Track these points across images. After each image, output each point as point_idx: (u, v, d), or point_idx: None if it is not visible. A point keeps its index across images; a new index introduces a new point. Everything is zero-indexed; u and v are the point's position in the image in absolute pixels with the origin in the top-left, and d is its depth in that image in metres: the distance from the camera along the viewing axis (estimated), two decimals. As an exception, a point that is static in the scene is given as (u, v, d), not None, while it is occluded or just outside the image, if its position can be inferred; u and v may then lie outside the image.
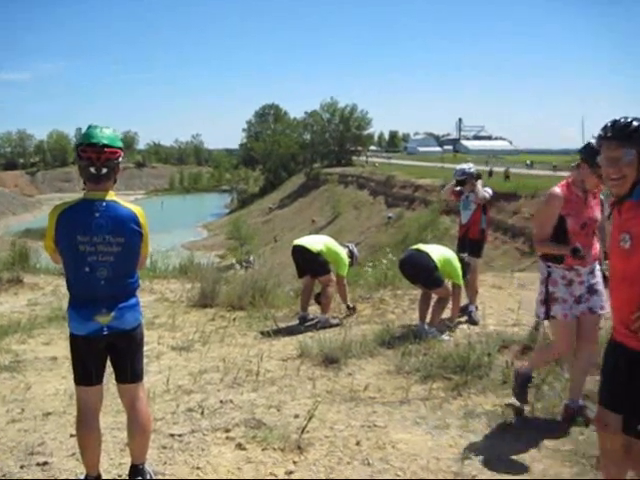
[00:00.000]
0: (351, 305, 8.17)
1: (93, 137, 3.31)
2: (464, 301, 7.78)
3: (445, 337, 6.69)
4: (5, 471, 3.91)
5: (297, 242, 8.03)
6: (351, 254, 8.26)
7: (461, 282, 7.21)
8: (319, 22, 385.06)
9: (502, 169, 54.54)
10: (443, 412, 4.74)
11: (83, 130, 3.42)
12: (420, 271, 7.01)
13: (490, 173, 49.02)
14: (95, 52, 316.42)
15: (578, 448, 4.03)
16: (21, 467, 3.96)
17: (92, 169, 3.31)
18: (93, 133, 3.33)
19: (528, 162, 67.64)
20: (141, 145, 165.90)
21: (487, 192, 7.82)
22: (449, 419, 4.61)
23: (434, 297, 7.11)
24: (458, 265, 7.14)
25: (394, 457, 4.03)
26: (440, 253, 7.08)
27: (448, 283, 7.07)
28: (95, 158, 3.29)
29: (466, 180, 7.85)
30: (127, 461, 3.73)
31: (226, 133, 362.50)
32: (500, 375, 5.29)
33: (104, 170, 3.32)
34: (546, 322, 4.97)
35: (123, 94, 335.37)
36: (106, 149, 3.30)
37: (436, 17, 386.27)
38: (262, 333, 7.26)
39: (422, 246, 7.28)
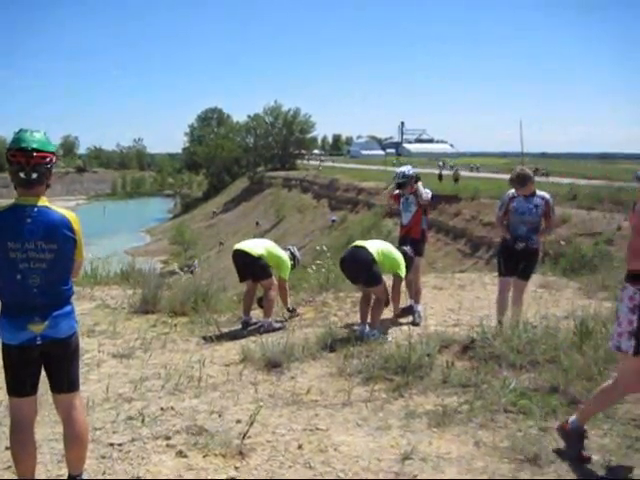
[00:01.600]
0: (291, 308, 8.19)
1: (22, 141, 3.23)
2: (408, 302, 7.89)
3: (387, 338, 6.74)
4: (-64, 488, 3.79)
5: (238, 246, 8.00)
6: (293, 256, 8.29)
7: (403, 273, 7.28)
8: (260, 28, 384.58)
9: (449, 172, 54.05)
10: (385, 413, 4.78)
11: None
12: (360, 266, 7.04)
13: (440, 177, 47.98)
14: (30, 54, 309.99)
15: (516, 444, 4.10)
16: (-46, 483, 3.84)
17: (22, 174, 3.23)
18: (23, 137, 3.25)
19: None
20: (82, 149, 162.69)
21: (427, 193, 7.95)
22: (390, 420, 4.64)
23: (374, 298, 7.16)
24: (398, 256, 7.23)
25: (336, 460, 4.05)
26: (377, 247, 7.16)
27: (387, 283, 7.13)
28: (25, 162, 3.21)
29: (407, 182, 7.96)
30: (65, 473, 3.66)
31: (168, 137, 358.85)
32: (440, 375, 5.37)
33: (34, 175, 3.24)
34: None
35: (61, 98, 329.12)
36: (36, 153, 3.22)
37: (375, 23, 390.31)
38: (204, 338, 7.20)
39: (360, 242, 7.35)
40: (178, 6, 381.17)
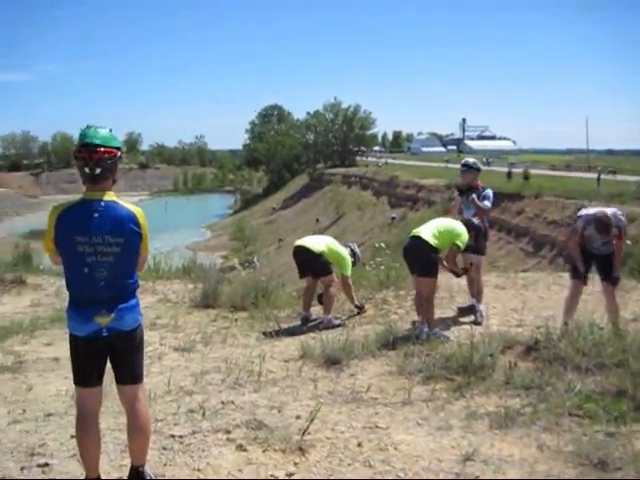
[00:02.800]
0: (359, 304, 8.16)
1: (86, 137, 3.29)
2: (469, 300, 7.77)
3: (448, 337, 6.65)
4: (5, 473, 3.88)
5: (298, 243, 8.03)
6: (353, 254, 8.26)
7: (462, 244, 7.03)
8: (322, 23, 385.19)
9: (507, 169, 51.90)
10: (445, 413, 4.70)
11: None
12: (416, 256, 6.95)
13: (509, 175, 45.74)
14: (97, 53, 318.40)
15: (581, 449, 3.98)
16: (21, 469, 3.93)
17: (86, 169, 3.29)
18: (87, 133, 3.31)
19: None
20: (145, 146, 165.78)
21: (488, 198, 7.79)
22: (451, 420, 4.56)
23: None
24: (457, 229, 7.06)
25: (396, 459, 3.99)
26: (432, 229, 6.99)
27: (436, 279, 6.99)
28: (88, 158, 3.27)
29: (470, 171, 7.87)
30: (127, 463, 3.70)
31: (229, 134, 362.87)
32: (503, 376, 5.25)
33: (98, 170, 3.29)
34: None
35: (126, 95, 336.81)
36: (98, 149, 3.27)
37: (440, 18, 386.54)
38: (264, 334, 7.25)
39: (415, 230, 7.15)
40: (237, 4, 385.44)
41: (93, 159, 3.28)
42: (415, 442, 4.23)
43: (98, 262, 3.27)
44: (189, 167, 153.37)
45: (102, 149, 3.29)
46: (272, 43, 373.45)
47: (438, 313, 7.18)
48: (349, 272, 8.02)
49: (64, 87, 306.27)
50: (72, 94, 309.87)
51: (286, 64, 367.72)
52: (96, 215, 3.27)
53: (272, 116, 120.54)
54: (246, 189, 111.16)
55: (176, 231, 67.67)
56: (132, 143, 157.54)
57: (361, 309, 8.17)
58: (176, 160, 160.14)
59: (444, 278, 7.42)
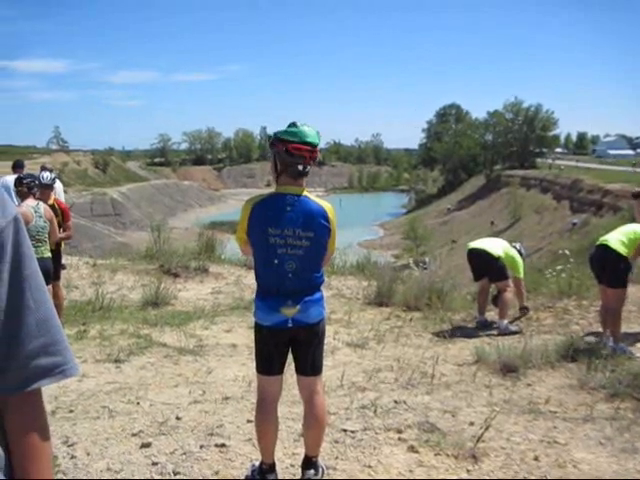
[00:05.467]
0: (526, 305, 7.90)
1: (308, 136, 3.34)
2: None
3: (635, 354, 6.22)
4: (185, 449, 4.11)
5: (473, 245, 7.88)
6: (520, 254, 7.99)
7: None
8: (499, 21, 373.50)
9: None
10: (631, 435, 4.39)
11: (286, 127, 3.39)
12: (602, 265, 6.56)
13: None
14: (276, 54, 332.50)
15: None
16: (200, 447, 4.14)
17: (300, 167, 3.37)
18: (308, 132, 3.35)
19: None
20: (322, 144, 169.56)
21: None
22: (638, 443, 4.26)
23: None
24: None
25: (575, 477, 3.79)
26: (620, 236, 6.53)
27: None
28: (308, 157, 3.35)
29: None
30: (300, 452, 3.79)
31: (405, 133, 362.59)
32: (699, 401, 4.82)
33: (308, 168, 3.40)
34: None
35: (304, 94, 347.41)
36: (316, 149, 3.38)
37: (629, 11, 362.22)
38: (437, 335, 7.16)
39: (603, 238, 6.71)
40: (416, 6, 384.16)
41: (312, 158, 3.38)
42: (597, 462, 4.00)
43: (288, 254, 3.35)
44: (364, 165, 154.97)
45: (315, 149, 3.38)
46: (450, 40, 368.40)
47: (625, 327, 6.73)
48: (522, 274, 7.83)
49: (245, 86, 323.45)
50: (251, 93, 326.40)
51: (464, 63, 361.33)
52: (289, 208, 3.36)
53: (450, 115, 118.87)
54: (421, 189, 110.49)
55: (349, 228, 68.60)
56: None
57: (526, 310, 7.94)
58: (352, 158, 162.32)
59: (633, 290, 6.93)
